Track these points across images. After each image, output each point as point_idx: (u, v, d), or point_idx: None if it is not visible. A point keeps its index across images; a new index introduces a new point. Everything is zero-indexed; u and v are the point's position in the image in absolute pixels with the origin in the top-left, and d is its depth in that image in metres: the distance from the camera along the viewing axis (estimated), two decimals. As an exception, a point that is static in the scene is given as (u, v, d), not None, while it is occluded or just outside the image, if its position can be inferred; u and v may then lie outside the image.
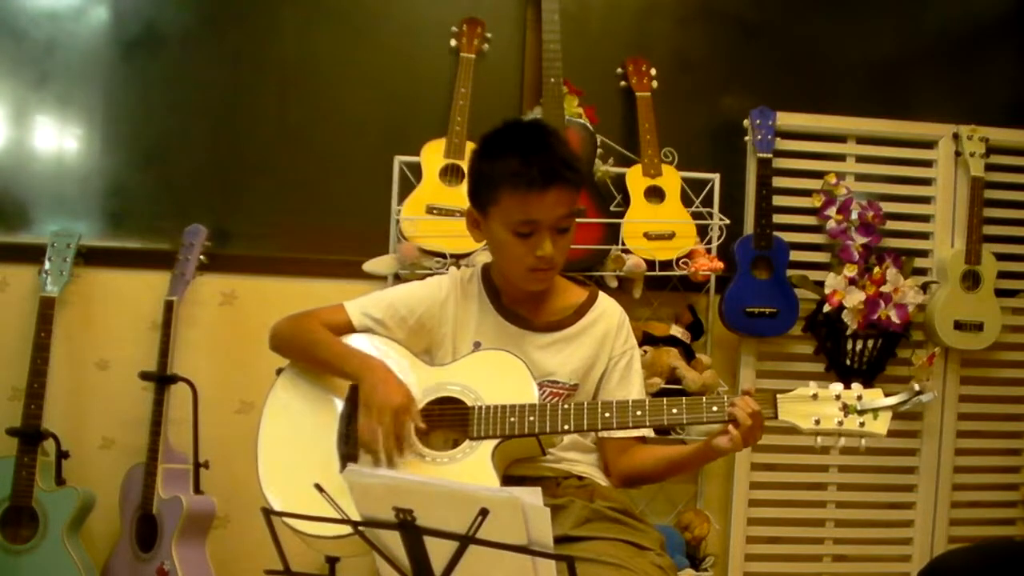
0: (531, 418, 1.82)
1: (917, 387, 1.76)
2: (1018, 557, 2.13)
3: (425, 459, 1.84)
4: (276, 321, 2.03)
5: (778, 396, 1.80)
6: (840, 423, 1.76)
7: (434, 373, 1.93)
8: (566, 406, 1.84)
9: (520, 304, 2.01)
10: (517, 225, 1.87)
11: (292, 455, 1.89)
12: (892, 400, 1.76)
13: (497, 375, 1.88)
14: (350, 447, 1.86)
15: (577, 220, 2.78)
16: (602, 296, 2.07)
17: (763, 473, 3.20)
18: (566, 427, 1.83)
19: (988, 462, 3.31)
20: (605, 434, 1.98)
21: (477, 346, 1.97)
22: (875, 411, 1.76)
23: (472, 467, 1.81)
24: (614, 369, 2.01)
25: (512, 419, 1.82)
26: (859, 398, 1.77)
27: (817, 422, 1.77)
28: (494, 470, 1.80)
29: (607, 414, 1.83)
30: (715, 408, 1.80)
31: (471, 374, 1.90)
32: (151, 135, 3.04)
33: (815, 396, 1.78)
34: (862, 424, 1.76)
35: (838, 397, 1.78)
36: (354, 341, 1.97)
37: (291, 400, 1.96)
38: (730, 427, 1.78)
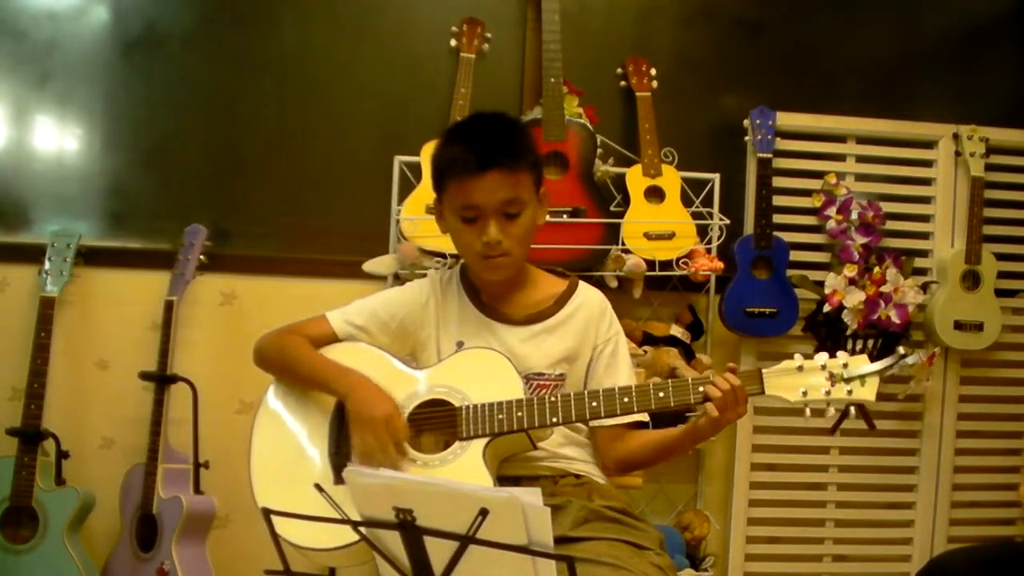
0: (519, 413, 1.82)
1: (902, 350, 1.75)
2: (1017, 559, 2.12)
3: (416, 463, 1.83)
4: (258, 339, 2.03)
5: (764, 371, 1.79)
6: (828, 392, 1.75)
7: (419, 377, 1.92)
8: (552, 398, 1.83)
9: (499, 299, 2.01)
10: (461, 210, 1.90)
11: (284, 466, 1.89)
12: (878, 365, 1.75)
13: (482, 373, 1.88)
14: (341, 458, 1.86)
15: (577, 220, 2.85)
16: (583, 285, 2.06)
17: (763, 473, 3.20)
18: (554, 419, 1.83)
19: (988, 462, 3.31)
20: (596, 423, 1.97)
21: (460, 345, 1.97)
22: (862, 378, 1.75)
23: (464, 467, 1.81)
24: (600, 357, 2.01)
25: (500, 416, 1.82)
26: (845, 366, 1.76)
27: (804, 393, 1.76)
28: (486, 469, 1.80)
29: (594, 403, 1.83)
30: (701, 389, 1.80)
31: (456, 374, 1.90)
32: (151, 135, 3.04)
33: (801, 368, 1.77)
34: (850, 392, 1.75)
35: (824, 367, 1.76)
36: (339, 349, 1.97)
37: (282, 410, 1.96)
38: (707, 405, 1.78)
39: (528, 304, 2.01)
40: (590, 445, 2.03)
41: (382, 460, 1.80)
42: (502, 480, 1.85)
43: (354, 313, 2.01)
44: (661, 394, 1.81)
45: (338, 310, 2.02)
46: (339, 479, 1.81)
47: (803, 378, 1.77)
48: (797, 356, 1.79)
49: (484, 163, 1.86)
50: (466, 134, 1.95)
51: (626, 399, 1.82)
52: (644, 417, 1.97)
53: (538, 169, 1.97)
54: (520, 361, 1.92)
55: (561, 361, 1.98)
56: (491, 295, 2.02)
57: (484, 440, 1.82)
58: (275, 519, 1.80)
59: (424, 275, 2.16)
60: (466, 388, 1.87)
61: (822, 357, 1.77)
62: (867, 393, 1.75)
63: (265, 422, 1.95)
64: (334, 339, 1.99)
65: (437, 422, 1.86)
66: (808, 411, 1.78)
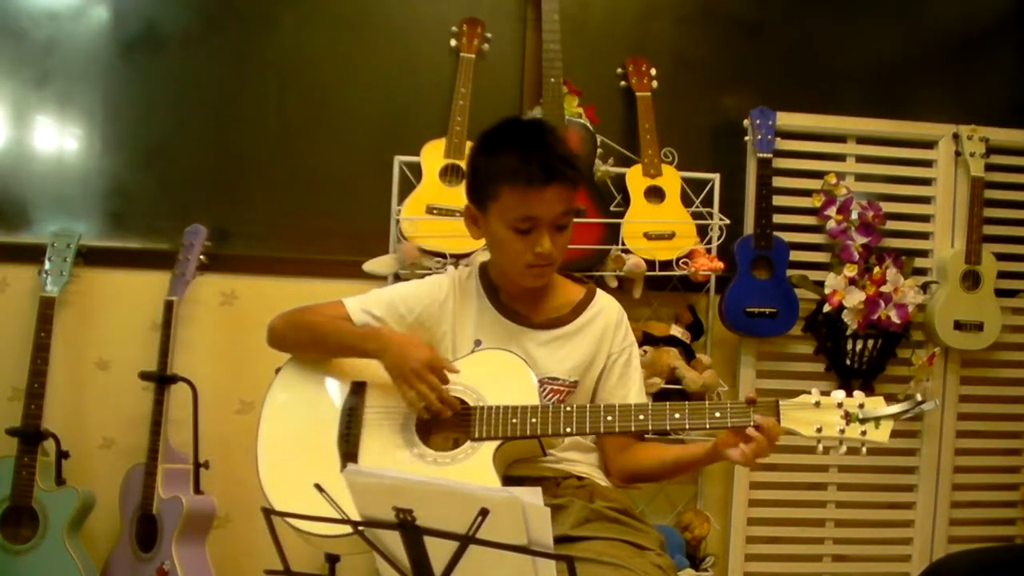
0: (533, 420, 1.82)
1: (919, 396, 1.76)
2: (1018, 561, 2.12)
3: (426, 459, 1.84)
4: (272, 318, 2.03)
5: (781, 403, 1.80)
6: (842, 431, 1.77)
7: None
8: (568, 408, 1.84)
9: (518, 301, 2.01)
10: (516, 221, 1.87)
11: (292, 454, 1.89)
12: (894, 409, 1.77)
13: (499, 375, 1.88)
14: (351, 446, 1.87)
15: (577, 220, 2.83)
16: (600, 293, 2.07)
17: (763, 473, 3.20)
18: (568, 430, 1.83)
19: (988, 462, 3.31)
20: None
21: (478, 344, 1.97)
22: (877, 420, 1.77)
23: (473, 468, 1.81)
24: (613, 366, 2.01)
25: (514, 420, 1.82)
26: (861, 406, 1.77)
27: (819, 430, 1.78)
28: (495, 471, 1.80)
29: (609, 418, 1.83)
30: (718, 414, 1.80)
31: (473, 374, 1.90)
32: (151, 135, 3.04)
33: (817, 404, 1.79)
34: (864, 432, 1.77)
35: (840, 405, 1.78)
36: None
37: (290, 399, 1.96)
38: (742, 445, 1.78)
39: (547, 309, 2.02)
40: (595, 450, 2.04)
41: (436, 403, 1.82)
42: (506, 480, 1.85)
43: (372, 303, 2.00)
44: (677, 415, 1.82)
45: (356, 298, 2.01)
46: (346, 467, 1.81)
47: (819, 414, 1.78)
48: (814, 391, 1.80)
49: (549, 175, 1.83)
50: (519, 142, 1.89)
51: (641, 416, 1.83)
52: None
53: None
54: (536, 365, 1.92)
55: (576, 368, 1.98)
56: (511, 297, 2.01)
57: (496, 443, 1.83)
58: (278, 498, 1.81)
59: (430, 274, 2.15)
60: (482, 388, 1.88)
61: (839, 395, 1.79)
62: (880, 435, 1.77)
63: (275, 406, 1.95)
64: None
65: (450, 419, 1.86)
66: (820, 446, 1.80)
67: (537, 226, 1.87)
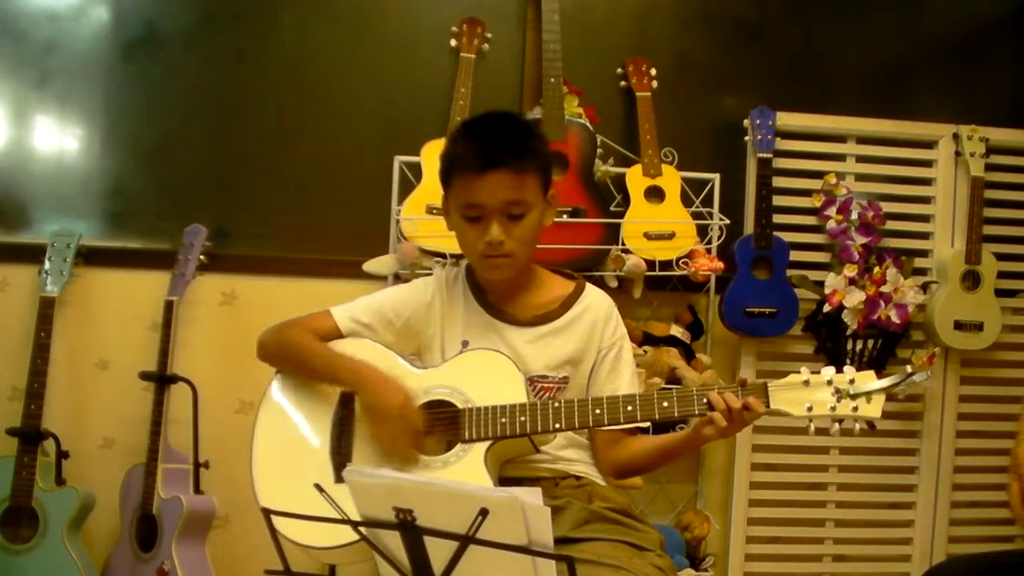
0: (522, 418, 1.81)
1: (910, 368, 1.75)
2: (1018, 566, 2.11)
3: (418, 464, 1.84)
4: (262, 332, 2.03)
5: (769, 385, 1.78)
6: (833, 408, 1.74)
7: (423, 377, 1.92)
8: (556, 404, 1.83)
9: (505, 299, 2.01)
10: (464, 208, 1.91)
11: (286, 464, 1.89)
12: (885, 382, 1.74)
13: (486, 375, 1.88)
14: (343, 456, 1.86)
15: (577, 220, 2.85)
16: (589, 287, 2.06)
17: (763, 473, 3.20)
18: (557, 425, 1.83)
19: (988, 462, 3.30)
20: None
21: (465, 345, 1.96)
22: (868, 394, 1.74)
23: (466, 470, 1.81)
24: (603, 361, 2.00)
25: (503, 420, 1.82)
26: (851, 382, 1.75)
27: (810, 408, 1.75)
28: (488, 472, 1.80)
29: (598, 411, 1.82)
30: (706, 401, 1.79)
31: (460, 376, 1.89)
32: (151, 135, 3.04)
33: (807, 383, 1.76)
34: (855, 408, 1.74)
35: (830, 382, 1.76)
36: (344, 346, 1.97)
37: (284, 408, 1.96)
38: (712, 415, 1.77)
39: (535, 305, 2.01)
40: (591, 447, 2.04)
41: (402, 449, 1.81)
42: (503, 481, 1.85)
43: (359, 310, 2.00)
44: (665, 404, 1.81)
45: (343, 306, 2.01)
46: (340, 477, 1.81)
47: (809, 393, 1.76)
48: (803, 370, 1.78)
49: (489, 162, 1.85)
50: (475, 131, 1.95)
51: (630, 407, 1.82)
52: (645, 423, 1.98)
53: (546, 171, 1.96)
54: (525, 362, 1.92)
55: (565, 364, 1.97)
56: (498, 295, 2.01)
57: (486, 443, 1.82)
58: (274, 507, 1.81)
59: (428, 274, 2.15)
60: (469, 390, 1.87)
61: (828, 372, 1.76)
62: (872, 410, 1.74)
63: (267, 418, 1.95)
64: (338, 335, 1.98)
65: (440, 423, 1.86)
66: (812, 427, 1.77)
67: (484, 214, 1.88)
